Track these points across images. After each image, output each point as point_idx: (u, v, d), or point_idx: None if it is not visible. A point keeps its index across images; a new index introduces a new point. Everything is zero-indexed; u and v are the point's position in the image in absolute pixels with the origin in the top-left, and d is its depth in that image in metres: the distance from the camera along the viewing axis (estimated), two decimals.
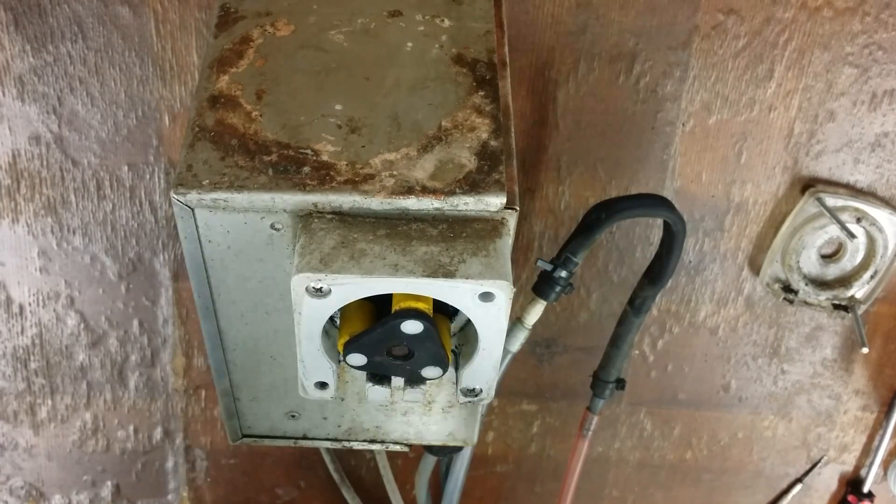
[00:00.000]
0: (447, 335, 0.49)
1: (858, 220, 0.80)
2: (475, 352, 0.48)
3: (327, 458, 0.94)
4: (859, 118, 0.78)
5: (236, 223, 0.47)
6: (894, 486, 0.99)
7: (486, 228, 0.46)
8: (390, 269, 0.44)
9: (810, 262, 0.83)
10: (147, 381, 0.89)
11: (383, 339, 0.46)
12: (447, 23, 0.56)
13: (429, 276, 0.43)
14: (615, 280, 0.85)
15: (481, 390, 0.50)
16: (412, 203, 0.46)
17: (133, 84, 0.74)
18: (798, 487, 1.01)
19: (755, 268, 0.85)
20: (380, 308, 0.48)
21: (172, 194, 0.46)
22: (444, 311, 0.48)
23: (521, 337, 0.66)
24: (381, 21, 0.56)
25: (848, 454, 0.99)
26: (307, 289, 0.44)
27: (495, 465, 0.99)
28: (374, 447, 0.63)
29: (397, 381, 0.50)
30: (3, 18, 0.71)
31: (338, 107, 0.50)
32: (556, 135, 0.78)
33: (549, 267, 0.62)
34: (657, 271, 0.67)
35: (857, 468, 1.00)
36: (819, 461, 0.99)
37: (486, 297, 0.44)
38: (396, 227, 0.46)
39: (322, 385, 0.50)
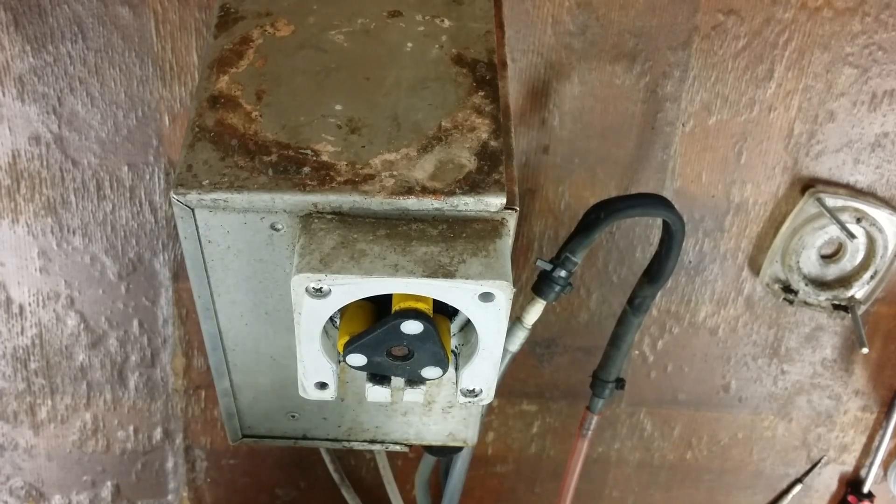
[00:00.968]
0: (447, 335, 0.49)
1: (858, 221, 0.80)
2: (475, 352, 0.48)
3: (327, 459, 0.94)
4: (859, 118, 0.78)
5: (236, 223, 0.47)
6: (894, 487, 0.99)
7: (486, 229, 0.46)
8: (390, 269, 0.44)
9: (810, 263, 0.83)
10: (147, 381, 0.89)
11: (383, 340, 0.46)
12: (447, 23, 0.56)
13: (429, 276, 0.43)
14: (615, 280, 0.86)
15: (481, 391, 0.50)
16: (412, 203, 0.46)
17: (133, 84, 0.74)
18: (798, 488, 1.01)
19: (755, 268, 0.85)
20: (380, 308, 0.48)
21: (172, 194, 0.46)
22: (444, 311, 0.48)
23: (520, 337, 0.66)
24: (381, 21, 0.56)
25: (848, 454, 0.99)
26: (307, 289, 0.44)
27: (495, 465, 0.99)
28: (374, 447, 0.63)
29: (397, 381, 0.50)
30: (3, 18, 0.71)
31: (338, 107, 0.50)
32: (556, 135, 0.78)
33: (548, 266, 0.62)
34: (656, 271, 0.67)
35: (857, 468, 1.00)
36: (819, 461, 0.99)
37: (486, 297, 0.44)
38: (396, 227, 0.46)
39: (322, 385, 0.50)
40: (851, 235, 0.80)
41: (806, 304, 0.86)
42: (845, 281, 0.84)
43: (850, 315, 0.86)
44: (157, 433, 0.93)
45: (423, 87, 0.52)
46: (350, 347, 0.46)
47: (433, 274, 0.44)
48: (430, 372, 0.48)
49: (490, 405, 0.94)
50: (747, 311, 0.88)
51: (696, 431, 0.97)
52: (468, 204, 0.46)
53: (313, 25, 0.55)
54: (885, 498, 1.01)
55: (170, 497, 0.97)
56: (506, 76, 0.55)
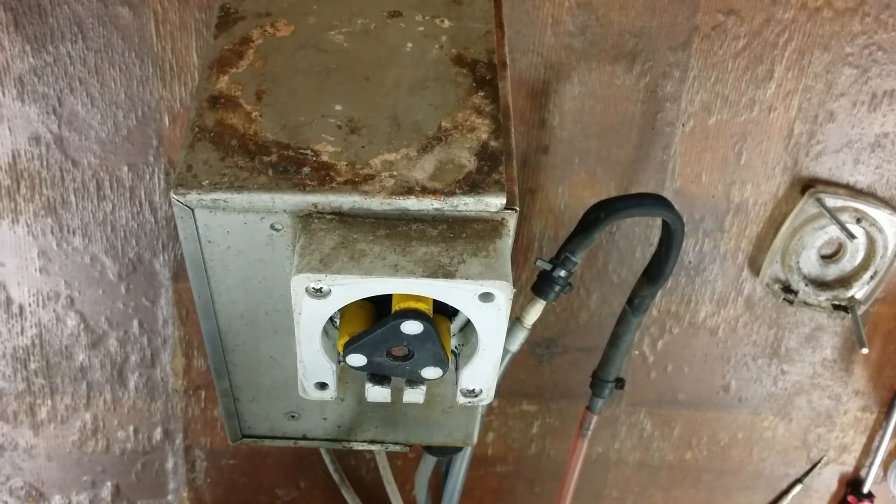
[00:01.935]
0: (447, 335, 0.49)
1: (858, 221, 0.80)
2: (475, 352, 0.48)
3: (327, 459, 0.94)
4: (859, 119, 0.78)
5: (236, 223, 0.47)
6: (894, 487, 0.99)
7: (486, 229, 0.46)
8: (390, 269, 0.44)
9: (810, 263, 0.83)
10: (147, 381, 0.89)
11: (383, 340, 0.46)
12: (447, 23, 0.56)
13: (429, 276, 0.43)
14: (615, 280, 0.86)
15: (481, 391, 0.50)
16: (412, 203, 0.46)
17: (133, 84, 0.74)
18: (798, 488, 1.01)
19: (755, 268, 0.85)
20: (380, 308, 0.48)
21: (172, 195, 0.46)
22: (444, 312, 0.48)
23: (520, 337, 0.66)
24: (381, 21, 0.56)
25: (848, 455, 0.99)
26: (307, 289, 0.44)
27: (495, 465, 0.99)
28: (374, 447, 0.63)
29: (397, 381, 0.50)
30: (3, 19, 0.71)
31: (338, 107, 0.50)
32: (556, 135, 0.78)
33: (548, 266, 0.62)
34: (656, 271, 0.67)
35: (857, 469, 1.00)
36: (819, 462, 0.99)
37: (486, 297, 0.44)
38: (396, 227, 0.46)
39: (322, 385, 0.50)
40: (851, 236, 0.80)
41: (806, 304, 0.86)
42: (845, 281, 0.84)
43: (850, 315, 0.86)
44: (157, 433, 0.93)
45: (423, 87, 0.52)
46: (350, 347, 0.46)
47: (433, 274, 0.44)
48: (430, 372, 0.48)
49: (490, 405, 0.94)
50: (747, 311, 0.88)
51: (695, 432, 0.97)
52: (468, 204, 0.46)
53: (313, 26, 0.55)
54: (885, 498, 1.01)
55: (170, 497, 0.97)
56: (506, 76, 0.55)
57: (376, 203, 0.46)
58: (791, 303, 0.86)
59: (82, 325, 0.85)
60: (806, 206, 0.80)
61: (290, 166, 0.47)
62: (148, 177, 0.78)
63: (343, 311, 0.47)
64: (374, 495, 0.98)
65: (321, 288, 0.44)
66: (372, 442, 0.62)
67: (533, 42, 0.74)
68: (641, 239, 0.83)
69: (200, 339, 0.86)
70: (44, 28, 0.71)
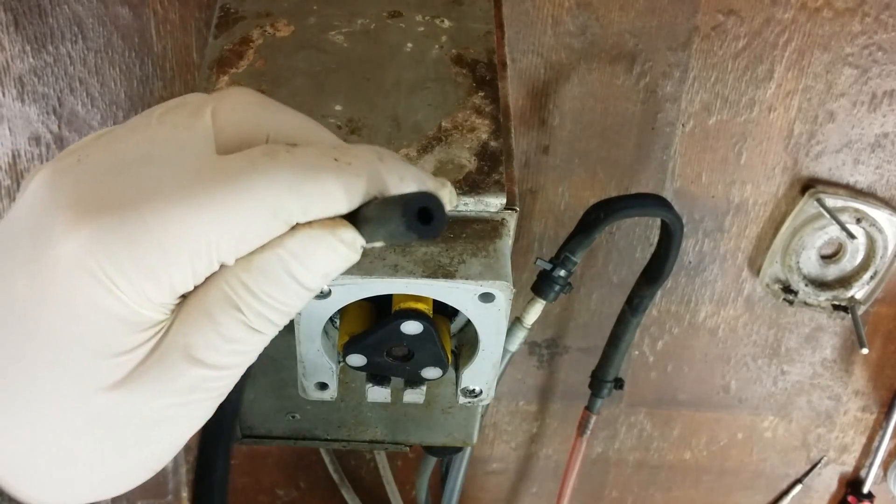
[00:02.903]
0: (447, 336, 0.49)
1: (858, 221, 0.80)
2: (475, 352, 0.48)
3: (327, 459, 0.94)
4: (859, 119, 0.78)
5: None
6: (894, 487, 0.99)
7: (486, 229, 0.46)
8: (390, 269, 0.44)
9: (810, 263, 0.83)
10: None
11: (383, 340, 0.46)
12: (447, 23, 0.56)
13: (428, 276, 0.43)
14: (615, 280, 0.86)
15: (481, 391, 0.50)
16: None
17: (133, 84, 0.74)
18: (798, 488, 1.01)
19: (755, 268, 0.85)
20: (380, 308, 0.48)
21: None
22: (444, 312, 0.48)
23: (520, 336, 0.66)
24: (381, 22, 0.56)
25: (848, 455, 0.99)
26: None
27: (495, 465, 0.99)
28: (374, 448, 0.63)
29: (397, 381, 0.50)
30: (3, 19, 0.71)
31: (338, 107, 0.50)
32: (556, 135, 0.78)
33: (548, 266, 0.62)
34: (655, 271, 0.67)
35: (857, 469, 1.00)
36: (819, 462, 0.99)
37: (486, 297, 0.44)
38: None
39: (322, 386, 0.50)
40: (851, 236, 0.80)
41: (806, 304, 0.86)
42: (845, 281, 0.84)
43: (849, 315, 0.86)
44: None
45: (423, 87, 0.52)
46: (350, 348, 0.46)
47: (433, 274, 0.44)
48: (429, 372, 0.48)
49: (490, 405, 0.94)
50: (747, 311, 0.88)
51: (695, 432, 0.97)
52: (468, 204, 0.46)
53: (313, 26, 0.55)
54: (885, 498, 1.01)
55: (170, 497, 0.97)
56: (506, 76, 0.55)
57: None
58: (791, 303, 0.86)
59: None
60: (806, 206, 0.80)
61: None
62: None
63: (343, 312, 0.47)
64: (374, 495, 0.98)
65: (321, 288, 0.44)
66: (372, 442, 0.62)
67: (533, 42, 0.74)
68: (641, 239, 0.83)
69: None
70: (44, 28, 0.71)
